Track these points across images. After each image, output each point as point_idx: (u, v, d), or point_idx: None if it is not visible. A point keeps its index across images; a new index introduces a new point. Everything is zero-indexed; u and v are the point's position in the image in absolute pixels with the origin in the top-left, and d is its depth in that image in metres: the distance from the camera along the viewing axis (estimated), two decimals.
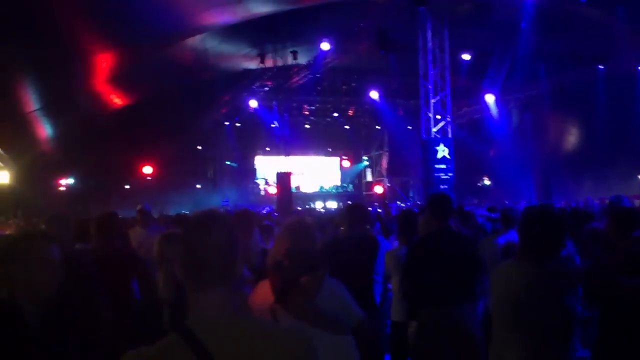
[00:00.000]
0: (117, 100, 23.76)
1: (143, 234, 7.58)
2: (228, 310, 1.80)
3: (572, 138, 26.49)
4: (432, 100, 18.91)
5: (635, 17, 17.42)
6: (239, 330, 1.78)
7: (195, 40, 20.81)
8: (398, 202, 28.04)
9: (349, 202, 8.46)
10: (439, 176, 17.92)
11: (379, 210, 18.47)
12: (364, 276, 4.84)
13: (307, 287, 2.82)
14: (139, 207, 8.42)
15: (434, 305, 4.52)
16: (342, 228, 5.32)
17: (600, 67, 21.96)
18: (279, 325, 1.87)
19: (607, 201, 9.94)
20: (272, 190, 30.76)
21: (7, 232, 9.18)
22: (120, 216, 8.78)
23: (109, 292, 4.07)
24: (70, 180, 26.15)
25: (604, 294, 3.92)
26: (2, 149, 20.25)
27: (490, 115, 28.29)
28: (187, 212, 18.91)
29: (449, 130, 19.12)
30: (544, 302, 3.38)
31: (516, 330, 3.42)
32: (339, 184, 37.17)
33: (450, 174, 18.18)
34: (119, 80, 21.44)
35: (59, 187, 25.89)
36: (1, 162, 20.34)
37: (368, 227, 6.34)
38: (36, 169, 21.23)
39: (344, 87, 28.10)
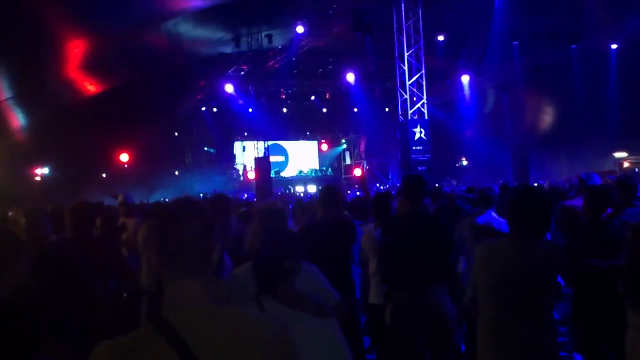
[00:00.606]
0: (91, 87, 23.47)
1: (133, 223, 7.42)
2: (204, 300, 1.79)
3: (547, 117, 26.70)
4: (408, 82, 18.90)
5: None
6: (215, 320, 1.77)
7: (168, 25, 20.57)
8: (377, 185, 28.13)
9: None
10: (417, 158, 17.97)
11: (358, 193, 18.54)
12: (340, 260, 4.85)
13: (287, 272, 2.83)
14: (120, 197, 8.22)
15: (408, 285, 4.56)
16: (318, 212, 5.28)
17: (574, 45, 22.11)
18: (256, 315, 1.87)
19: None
20: (252, 175, 30.69)
21: None
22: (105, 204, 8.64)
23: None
24: (46, 170, 25.89)
25: (574, 275, 3.97)
26: None
27: (467, 95, 28.47)
28: (167, 200, 18.82)
29: (425, 111, 19.13)
30: (539, 279, 3.42)
31: (509, 307, 3.44)
32: (317, 167, 37.18)
33: (427, 155, 18.24)
34: (93, 67, 21.18)
35: (34, 176, 25.63)
36: None
37: (346, 212, 6.37)
38: (10, 159, 20.96)
39: (320, 70, 28.01)
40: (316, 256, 3.32)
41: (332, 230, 4.83)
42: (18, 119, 21.12)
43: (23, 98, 19.71)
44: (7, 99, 19.30)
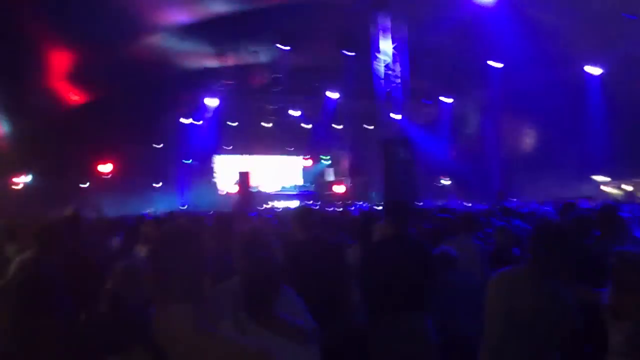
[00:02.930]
0: (75, 98, 23.36)
1: None
2: (194, 325, 1.82)
3: (529, 139, 26.96)
4: (390, 101, 18.97)
5: (582, 18, 17.75)
6: (203, 345, 1.80)
7: (155, 39, 20.60)
8: (360, 203, 28.16)
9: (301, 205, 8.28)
10: (399, 177, 17.89)
11: (339, 209, 18.53)
12: (330, 284, 4.61)
13: (269, 296, 2.83)
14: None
15: (387, 311, 4.49)
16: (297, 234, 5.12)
17: (553, 68, 22.29)
18: (244, 343, 1.89)
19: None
20: (232, 189, 30.63)
21: None
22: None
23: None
24: (27, 179, 25.63)
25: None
26: None
27: (449, 116, 28.71)
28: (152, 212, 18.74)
29: (408, 131, 19.23)
30: (550, 326, 3.38)
31: (515, 342, 3.42)
32: (300, 183, 37.17)
33: (410, 175, 18.18)
34: (77, 77, 21.11)
35: (15, 185, 25.35)
36: None
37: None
38: None
39: (305, 86, 28.01)
40: (304, 279, 3.34)
41: (320, 252, 4.69)
42: (1, 127, 20.94)
43: (6, 107, 19.57)
44: None
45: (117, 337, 1.84)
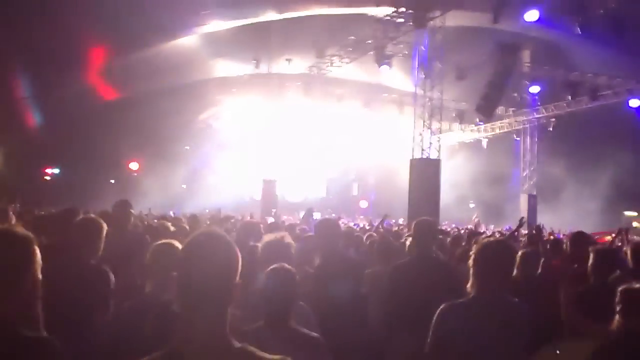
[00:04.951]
0: (109, 94, 23.63)
1: None
2: (219, 334, 1.76)
3: (559, 167, 26.67)
4: (422, 120, 18.72)
5: (629, 49, 17.47)
6: (225, 356, 1.75)
7: (190, 41, 20.79)
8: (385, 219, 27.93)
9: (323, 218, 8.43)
10: (425, 196, 17.63)
11: (363, 224, 18.39)
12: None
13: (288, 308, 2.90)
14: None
15: (410, 330, 4.42)
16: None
17: (593, 99, 21.92)
18: (264, 355, 1.82)
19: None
20: (257, 196, 30.61)
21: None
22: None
23: None
24: (56, 170, 25.98)
25: None
26: None
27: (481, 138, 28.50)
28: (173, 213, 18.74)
29: (438, 151, 19.01)
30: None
31: None
32: (324, 195, 37.05)
33: (436, 195, 17.94)
34: (111, 74, 21.35)
35: (45, 175, 25.72)
36: None
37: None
38: (22, 156, 21.04)
39: (335, 96, 27.93)
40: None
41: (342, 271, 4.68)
42: (34, 118, 21.25)
43: (41, 97, 19.86)
44: (25, 97, 19.45)
45: None
